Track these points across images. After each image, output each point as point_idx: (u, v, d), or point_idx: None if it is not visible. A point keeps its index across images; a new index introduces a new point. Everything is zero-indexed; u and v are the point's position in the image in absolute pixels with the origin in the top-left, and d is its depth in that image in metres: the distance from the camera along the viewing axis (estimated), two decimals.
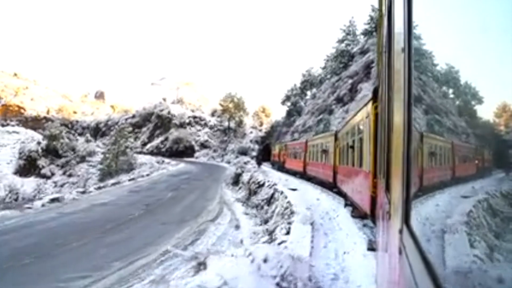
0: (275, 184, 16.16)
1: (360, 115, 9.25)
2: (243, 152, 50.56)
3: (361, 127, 9.21)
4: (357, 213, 9.34)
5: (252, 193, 17.39)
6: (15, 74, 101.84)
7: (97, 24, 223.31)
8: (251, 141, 62.27)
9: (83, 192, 19.55)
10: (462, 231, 0.93)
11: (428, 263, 0.86)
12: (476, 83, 0.93)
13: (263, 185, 17.16)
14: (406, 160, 1.29)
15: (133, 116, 78.33)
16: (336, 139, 15.31)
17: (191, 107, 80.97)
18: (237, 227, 11.71)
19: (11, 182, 26.78)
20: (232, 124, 68.16)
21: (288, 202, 11.61)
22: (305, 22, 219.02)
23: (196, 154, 62.88)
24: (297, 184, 18.86)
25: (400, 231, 1.32)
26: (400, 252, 1.29)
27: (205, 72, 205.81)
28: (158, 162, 45.49)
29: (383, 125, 2.95)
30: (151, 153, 63.28)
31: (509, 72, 0.60)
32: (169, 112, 72.64)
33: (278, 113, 67.42)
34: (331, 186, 15.53)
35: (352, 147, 10.52)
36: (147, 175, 30.46)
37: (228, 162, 45.48)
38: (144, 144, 69.69)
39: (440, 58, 1.12)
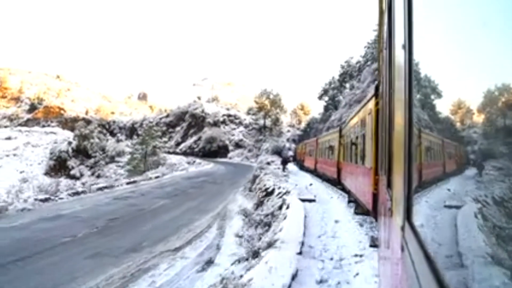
0: (287, 192, 13.68)
1: (363, 111, 9.52)
2: (278, 151, 48.75)
3: (363, 123, 9.38)
4: (360, 210, 9.58)
5: (259, 203, 15.06)
6: (58, 77, 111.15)
7: (141, 27, 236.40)
8: (287, 140, 60.95)
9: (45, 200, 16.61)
10: (464, 227, 0.97)
11: (430, 259, 0.89)
12: (476, 81, 0.94)
13: (271, 192, 14.90)
14: (408, 157, 1.33)
15: (167, 116, 79.11)
16: (340, 135, 15.75)
17: (227, 105, 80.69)
18: (209, 264, 8.41)
19: (41, 183, 28.28)
20: (268, 122, 67.46)
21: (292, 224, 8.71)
22: (343, 9, 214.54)
23: (230, 154, 62.28)
24: (321, 191, 15.89)
25: (402, 228, 1.36)
26: (402, 249, 1.32)
27: (246, 72, 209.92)
28: (188, 163, 45.42)
29: (384, 122, 2.95)
30: (184, 153, 63.65)
31: (509, 69, 0.64)
32: (202, 111, 72.49)
33: (318, 110, 66.30)
34: (336, 183, 16.36)
35: (355, 143, 10.77)
36: (156, 177, 29.37)
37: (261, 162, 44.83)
38: (178, 144, 70.18)
39: (440, 55, 1.16)
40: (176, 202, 17.02)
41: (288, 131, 67.93)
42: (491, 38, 0.73)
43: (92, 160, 46.24)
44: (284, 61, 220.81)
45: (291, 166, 33.69)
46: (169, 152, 61.12)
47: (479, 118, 0.99)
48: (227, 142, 65.49)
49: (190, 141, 69.65)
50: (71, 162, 46.14)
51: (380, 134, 4.63)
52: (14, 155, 52.25)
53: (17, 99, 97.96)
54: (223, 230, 11.80)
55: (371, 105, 7.98)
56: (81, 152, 46.85)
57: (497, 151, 0.90)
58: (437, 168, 1.38)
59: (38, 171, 46.48)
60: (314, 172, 24.73)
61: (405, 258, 1.24)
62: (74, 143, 47.57)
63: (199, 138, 67.75)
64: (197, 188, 22.76)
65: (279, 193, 14.15)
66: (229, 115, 72.49)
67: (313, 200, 12.68)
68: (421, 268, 0.93)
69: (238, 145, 65.01)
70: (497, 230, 0.80)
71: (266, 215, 11.83)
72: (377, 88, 7.12)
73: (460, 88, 1.06)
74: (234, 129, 69.65)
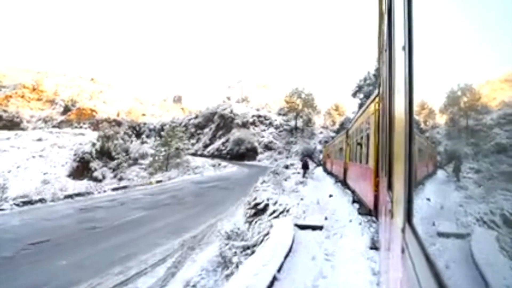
0: (284, 211, 10.94)
1: (366, 112, 9.68)
2: (309, 154, 47.83)
3: (367, 124, 9.49)
4: (363, 210, 9.72)
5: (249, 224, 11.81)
6: (92, 79, 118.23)
7: (179, 31, 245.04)
8: (320, 141, 59.71)
9: None
10: (465, 229, 0.98)
11: (431, 261, 0.92)
12: (476, 80, 0.96)
13: (263, 210, 11.84)
14: (408, 159, 1.37)
15: (196, 117, 79.51)
16: (347, 136, 15.99)
17: (257, 106, 79.81)
18: None
19: (63, 185, 28.49)
20: (300, 123, 66.28)
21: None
22: (376, 6, 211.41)
23: (259, 157, 60.88)
24: (341, 207, 11.92)
25: (403, 230, 1.41)
26: (402, 251, 1.37)
27: (281, 74, 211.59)
28: (213, 166, 44.91)
29: (384, 123, 2.95)
30: (212, 155, 63.34)
31: (509, 69, 0.66)
32: (231, 111, 71.61)
33: (353, 109, 64.30)
34: (343, 183, 16.87)
35: (360, 144, 10.92)
36: (159, 181, 28.55)
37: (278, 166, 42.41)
38: (206, 146, 69.98)
39: (440, 57, 1.18)
40: (154, 216, 14.71)
41: (321, 132, 66.40)
42: (491, 40, 0.75)
43: (115, 162, 46.04)
44: (320, 62, 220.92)
45: (318, 171, 32.28)
46: (196, 155, 61.28)
47: (482, 119, 1.00)
48: (256, 144, 64.19)
49: (218, 143, 69.10)
50: (94, 164, 46.21)
51: (380, 136, 4.68)
52: (40, 156, 52.94)
53: (52, 102, 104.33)
54: (177, 269, 8.80)
55: (372, 106, 8.18)
56: (104, 154, 46.81)
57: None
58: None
59: (61, 173, 46.99)
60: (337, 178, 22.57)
61: (405, 260, 1.28)
62: (98, 145, 47.61)
63: (227, 140, 66.97)
64: (199, 196, 21.06)
65: (274, 211, 11.21)
66: (259, 116, 71.31)
67: (319, 228, 8.80)
68: (421, 270, 0.96)
69: (267, 147, 63.81)
70: (497, 231, 0.80)
71: (244, 249, 8.22)
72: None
73: (460, 88, 1.07)
74: (264, 130, 68.46)
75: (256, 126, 69.25)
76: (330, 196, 14.71)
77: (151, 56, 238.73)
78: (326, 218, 9.75)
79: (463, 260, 0.93)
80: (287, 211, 10.96)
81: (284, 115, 69.71)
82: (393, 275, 1.70)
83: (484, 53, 0.80)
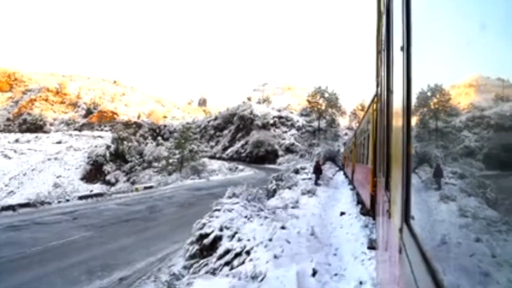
0: (243, 253, 6.69)
1: (368, 112, 9.80)
2: (332, 157, 46.02)
3: (368, 124, 9.71)
4: (365, 210, 9.80)
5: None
6: (115, 82, 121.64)
7: (205, 34, 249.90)
8: (344, 143, 58.55)
9: None
10: (462, 229, 0.99)
11: (428, 261, 0.95)
12: (475, 83, 0.98)
13: (212, 247, 7.53)
14: (406, 159, 1.41)
15: (215, 119, 77.99)
16: (355, 137, 16.14)
17: (279, 107, 77.63)
18: None
19: (75, 188, 27.43)
20: (323, 124, 64.39)
21: None
22: None
23: (279, 160, 57.76)
24: (346, 249, 7.39)
25: (400, 230, 1.45)
26: (400, 251, 1.41)
27: (306, 76, 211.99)
28: (230, 169, 43.61)
29: (382, 124, 2.98)
30: (231, 158, 61.98)
31: (509, 71, 0.67)
32: (251, 112, 69.20)
33: None
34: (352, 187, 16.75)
35: (363, 144, 11.11)
36: (148, 188, 26.43)
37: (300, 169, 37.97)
38: (225, 149, 68.28)
39: (439, 57, 1.19)
40: (97, 238, 12.01)
41: (346, 134, 63.99)
42: (490, 40, 0.76)
43: (128, 165, 45.57)
44: (347, 61, 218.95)
45: (340, 176, 29.77)
46: (215, 157, 60.80)
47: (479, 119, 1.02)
48: (276, 146, 62.07)
49: (237, 145, 67.13)
50: (107, 167, 46.06)
51: (378, 136, 4.72)
52: (55, 159, 53.99)
53: (74, 105, 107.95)
54: None
55: (372, 106, 8.36)
56: (118, 157, 46.44)
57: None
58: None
59: (74, 176, 47.60)
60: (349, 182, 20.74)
61: (403, 259, 1.33)
62: (113, 147, 47.45)
63: (247, 142, 64.87)
64: (185, 207, 18.32)
65: (226, 252, 6.92)
66: (280, 117, 68.81)
67: None
68: (418, 269, 0.99)
69: (289, 150, 61.47)
70: (495, 232, 0.81)
71: None
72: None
73: (459, 89, 1.09)
74: (285, 132, 66.10)
75: (277, 127, 67.03)
76: (342, 214, 11.05)
77: (176, 59, 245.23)
78: (314, 273, 5.51)
79: (460, 260, 0.94)
80: (247, 253, 6.62)
81: (306, 115, 67.78)
82: (391, 275, 1.72)
83: (482, 54, 0.82)
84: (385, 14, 2.40)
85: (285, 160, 57.49)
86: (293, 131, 66.25)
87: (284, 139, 64.12)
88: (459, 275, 0.91)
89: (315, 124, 65.15)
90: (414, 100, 1.42)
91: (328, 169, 32.92)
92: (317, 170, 20.62)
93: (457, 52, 0.98)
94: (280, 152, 61.01)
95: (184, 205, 19.01)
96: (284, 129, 66.88)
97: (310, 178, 21.30)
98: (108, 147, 48.11)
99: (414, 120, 1.42)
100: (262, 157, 60.07)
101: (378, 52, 3.80)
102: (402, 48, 1.46)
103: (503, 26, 0.68)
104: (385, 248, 2.07)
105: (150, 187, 26.59)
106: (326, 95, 64.86)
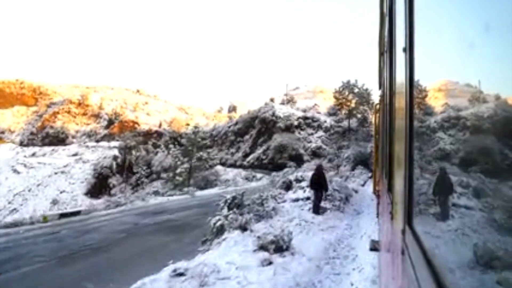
0: None
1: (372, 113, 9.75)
2: (363, 160, 41.27)
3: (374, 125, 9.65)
4: None
5: None
6: (138, 91, 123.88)
7: (237, 42, 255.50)
8: None
9: None
10: (465, 231, 1.00)
11: (431, 263, 0.96)
12: (476, 84, 1.00)
13: None
14: (408, 160, 1.46)
15: (236, 123, 73.55)
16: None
17: (304, 107, 72.35)
18: None
19: (78, 204, 25.06)
20: (354, 124, 59.09)
21: None
22: None
23: (305, 166, 48.82)
24: None
25: (403, 232, 1.49)
26: (402, 253, 1.45)
27: (338, 78, 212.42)
28: (247, 178, 40.92)
29: (385, 125, 3.01)
30: (252, 166, 58.32)
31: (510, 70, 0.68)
32: (273, 114, 64.03)
33: None
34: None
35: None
36: (74, 213, 19.46)
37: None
38: (246, 156, 63.86)
39: (442, 58, 1.23)
40: None
41: None
42: (494, 42, 0.77)
43: (135, 178, 43.09)
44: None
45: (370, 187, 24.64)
46: (235, 165, 58.97)
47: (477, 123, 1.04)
48: (301, 150, 56.46)
49: (258, 151, 61.99)
50: (113, 180, 43.87)
51: (380, 137, 4.72)
52: (62, 172, 51.69)
53: (97, 116, 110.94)
54: None
55: (375, 108, 8.46)
56: (125, 168, 44.26)
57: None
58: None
59: (79, 191, 44.86)
60: None
61: (405, 262, 1.36)
62: (120, 158, 45.29)
63: (268, 148, 59.54)
64: (62, 265, 10.49)
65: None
66: (305, 118, 63.37)
67: None
68: (421, 272, 1.00)
69: (315, 154, 55.62)
70: (499, 234, 0.82)
71: None
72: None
73: (459, 90, 1.11)
74: (311, 134, 60.63)
75: (302, 129, 61.80)
76: None
77: (206, 68, 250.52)
78: None
79: (464, 262, 0.94)
80: None
81: (334, 114, 62.93)
82: (393, 277, 1.76)
83: (485, 55, 0.83)
84: (387, 15, 2.47)
85: (311, 166, 47.66)
86: (320, 132, 61.02)
87: (310, 142, 58.88)
88: (462, 277, 0.93)
89: (345, 124, 60.15)
90: (416, 102, 1.46)
91: (357, 176, 30.43)
92: (318, 183, 12.71)
93: (460, 53, 1.00)
94: (306, 157, 55.26)
95: (74, 257, 11.14)
96: (310, 131, 61.60)
97: (308, 198, 14.21)
98: (115, 157, 45.87)
99: (416, 122, 1.47)
100: (284, 163, 52.42)
101: (381, 54, 3.84)
102: (404, 50, 1.51)
103: (507, 27, 0.69)
104: (388, 250, 2.10)
105: (77, 212, 19.05)
106: (356, 90, 58.97)
